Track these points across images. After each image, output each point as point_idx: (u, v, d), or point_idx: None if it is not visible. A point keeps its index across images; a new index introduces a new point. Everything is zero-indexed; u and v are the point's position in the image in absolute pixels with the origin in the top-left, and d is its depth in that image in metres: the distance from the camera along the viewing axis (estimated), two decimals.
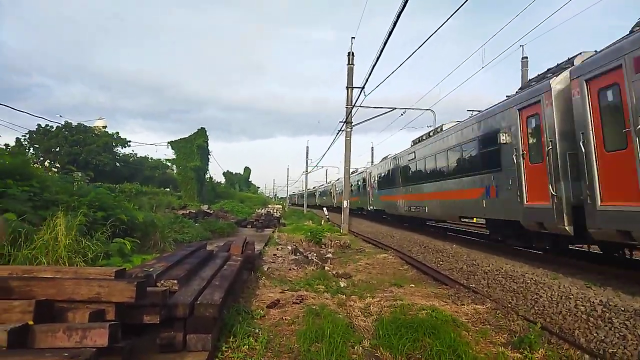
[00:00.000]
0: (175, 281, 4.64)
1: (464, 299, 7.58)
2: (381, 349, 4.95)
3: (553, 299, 6.79)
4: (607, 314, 5.65)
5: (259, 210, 33.13)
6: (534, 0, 11.51)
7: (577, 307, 6.21)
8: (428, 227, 20.40)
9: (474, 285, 8.57)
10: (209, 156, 43.96)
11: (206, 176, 45.21)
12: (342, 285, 8.69)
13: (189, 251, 6.85)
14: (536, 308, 6.81)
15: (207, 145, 43.15)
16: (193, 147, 40.90)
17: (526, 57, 24.27)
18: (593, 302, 6.09)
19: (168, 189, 43.03)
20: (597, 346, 5.15)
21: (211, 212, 25.67)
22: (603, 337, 5.25)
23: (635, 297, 6.15)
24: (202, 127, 42.65)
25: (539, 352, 4.99)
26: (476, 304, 7.19)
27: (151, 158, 59.67)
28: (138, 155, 57.01)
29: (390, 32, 11.36)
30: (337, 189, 47.81)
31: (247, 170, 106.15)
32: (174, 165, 44.20)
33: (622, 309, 5.59)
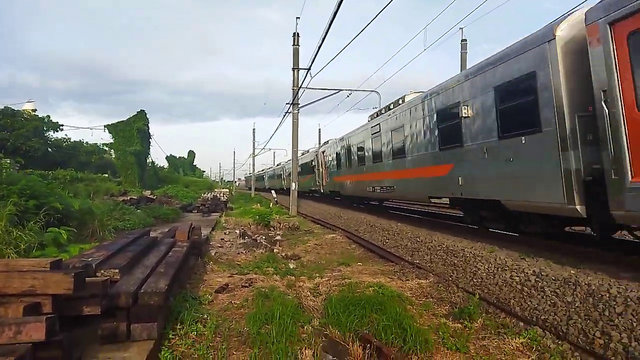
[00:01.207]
0: (117, 270, 4.46)
1: (408, 275, 7.86)
2: (330, 327, 5.05)
3: (490, 271, 7.18)
4: (540, 284, 6.06)
5: (205, 195, 32.48)
6: None
7: (512, 277, 6.61)
8: (375, 207, 20.84)
9: (418, 261, 8.90)
10: (150, 140, 42.33)
11: (148, 161, 43.55)
12: (291, 267, 8.74)
13: (131, 239, 6.60)
14: (475, 280, 7.19)
15: (148, 129, 41.48)
16: (133, 131, 39.16)
17: (465, 40, 24.92)
18: (527, 273, 6.50)
19: (106, 175, 41.09)
20: (531, 314, 5.52)
21: (154, 197, 24.87)
22: (536, 305, 5.63)
23: (565, 267, 6.62)
24: (142, 110, 40.87)
25: (478, 321, 5.28)
26: (420, 279, 7.48)
27: (87, 142, 56.53)
28: (72, 140, 53.83)
29: (335, 13, 11.30)
30: (286, 171, 45.23)
31: (192, 153, 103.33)
32: (112, 150, 42.18)
33: (553, 278, 6.01)
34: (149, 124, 41.57)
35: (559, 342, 4.57)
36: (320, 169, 28.05)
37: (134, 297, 4.03)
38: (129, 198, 23.22)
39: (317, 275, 7.89)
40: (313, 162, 30.04)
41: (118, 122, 39.68)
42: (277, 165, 63.11)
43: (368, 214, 17.86)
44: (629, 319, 4.50)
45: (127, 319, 3.96)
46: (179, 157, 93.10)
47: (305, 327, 5.08)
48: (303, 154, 35.38)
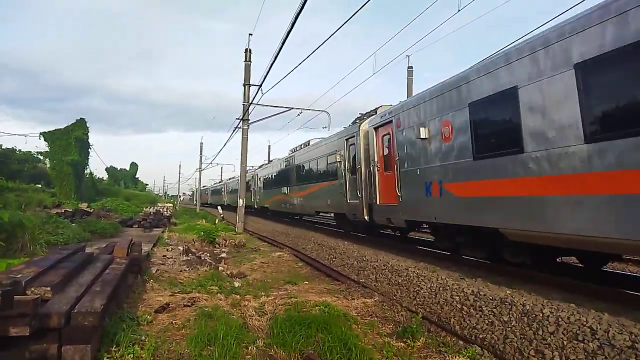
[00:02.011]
0: (49, 288, 4.16)
1: (354, 294, 7.91)
2: (275, 347, 4.96)
3: (432, 290, 7.39)
4: (478, 303, 6.29)
5: (147, 209, 31.26)
6: (419, 15, 12.44)
7: (453, 297, 6.83)
8: (321, 226, 20.96)
9: (363, 280, 8.99)
10: (89, 150, 40.35)
11: (86, 172, 41.43)
12: (236, 285, 8.54)
13: (65, 254, 6.19)
14: (418, 299, 7.35)
15: (88, 138, 39.56)
16: (71, 140, 37.18)
17: (411, 67, 26.04)
18: (466, 292, 6.74)
19: (39, 185, 38.62)
20: (470, 332, 5.71)
21: (91, 210, 23.61)
22: (475, 324, 5.84)
23: (501, 287, 6.93)
24: (81, 118, 39.05)
25: (420, 340, 5.39)
26: (365, 298, 7.54)
27: (19, 150, 53.03)
28: (3, 147, 50.33)
29: (289, 32, 11.43)
30: (228, 188, 51.73)
31: (134, 166, 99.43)
32: (47, 159, 39.78)
33: (490, 297, 6.27)
34: (89, 133, 39.70)
35: None
36: (255, 188, 33.71)
37: (67, 317, 3.76)
38: (63, 210, 21.91)
39: (262, 294, 7.76)
40: (250, 182, 33.93)
41: (55, 129, 37.58)
42: (220, 182, 62.73)
43: (315, 232, 17.89)
44: (560, 337, 4.76)
45: (59, 340, 3.69)
46: (120, 168, 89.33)
47: (249, 347, 4.96)
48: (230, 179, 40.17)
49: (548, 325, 5.04)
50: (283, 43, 12.60)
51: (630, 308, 5.58)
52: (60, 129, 37.74)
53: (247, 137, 23.39)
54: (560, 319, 5.06)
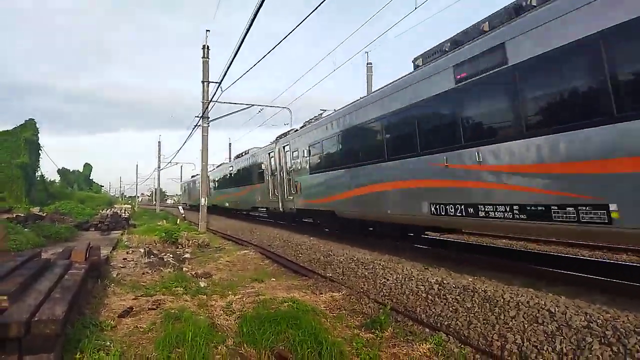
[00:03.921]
0: (5, 297, 3.96)
1: (322, 288, 7.96)
2: (245, 345, 4.93)
3: (398, 282, 7.54)
4: (442, 292, 6.49)
5: (104, 211, 30.20)
6: (377, 12, 12.59)
7: (418, 287, 7.00)
8: (281, 223, 20.98)
9: (330, 275, 9.06)
10: (40, 151, 38.51)
11: (37, 174, 39.53)
12: (202, 286, 8.40)
13: (20, 261, 5.91)
14: (385, 291, 7.49)
15: (38, 139, 37.74)
16: (19, 141, 35.39)
17: (370, 63, 26.36)
18: (431, 282, 6.93)
19: None
20: (436, 320, 5.88)
21: (44, 215, 22.60)
22: (440, 312, 6.02)
23: (464, 275, 7.17)
24: (31, 119, 37.18)
25: (388, 330, 5.50)
26: (333, 292, 7.61)
27: None
28: None
29: (248, 29, 11.29)
30: (183, 188, 56.19)
31: (88, 167, 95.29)
32: None
33: (454, 286, 6.47)
34: (39, 134, 37.88)
35: (462, 346, 4.91)
36: (209, 188, 37.00)
37: (27, 326, 3.60)
38: (14, 215, 20.85)
39: (230, 293, 7.68)
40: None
41: (2, 131, 35.61)
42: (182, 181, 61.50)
43: (281, 229, 17.86)
44: (521, 321, 4.98)
45: (19, 350, 3.52)
46: (73, 170, 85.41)
47: (219, 347, 4.90)
48: (194, 177, 40.97)
49: (509, 310, 5.26)
50: (243, 39, 12.42)
51: (583, 289, 5.91)
52: (8, 130, 35.83)
53: (207, 135, 22.98)
54: (520, 304, 5.29)
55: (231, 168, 29.87)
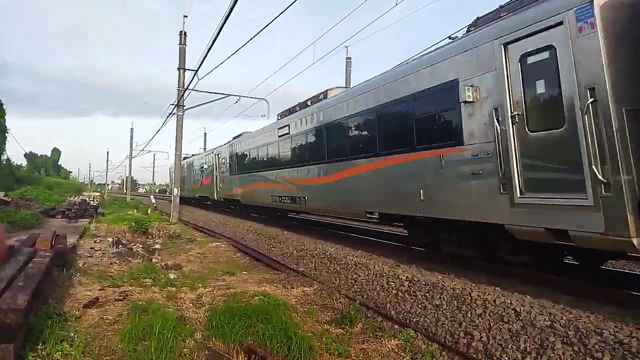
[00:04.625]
0: None
1: (294, 283, 7.97)
2: (214, 339, 4.90)
3: (369, 278, 7.60)
4: (412, 288, 6.57)
5: (72, 198, 29.38)
6: (358, 7, 12.62)
7: (389, 283, 7.07)
8: (254, 216, 20.89)
9: (302, 269, 9.07)
10: (6, 134, 37.03)
11: (2, 158, 38.06)
12: (171, 277, 8.28)
13: None
14: (356, 286, 7.54)
15: (5, 122, 36.28)
16: None
17: (350, 58, 26.42)
18: (401, 279, 7.01)
19: None
20: (405, 317, 5.96)
21: (9, 200, 21.77)
22: (409, 309, 6.10)
23: (434, 273, 7.26)
24: None
25: (358, 326, 5.56)
26: (305, 287, 7.63)
27: None
28: None
29: (227, 16, 11.11)
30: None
31: (57, 152, 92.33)
32: None
33: (424, 283, 6.56)
34: (5, 116, 36.39)
35: (429, 343, 5.00)
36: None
37: None
38: None
39: (200, 285, 7.61)
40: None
41: None
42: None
43: (255, 222, 17.74)
44: (487, 319, 5.09)
45: None
46: (41, 155, 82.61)
47: (187, 341, 4.87)
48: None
49: (476, 308, 5.37)
50: (221, 27, 12.23)
51: (548, 289, 6.09)
52: None
53: (182, 124, 22.62)
54: (487, 302, 5.40)
55: (191, 163, 33.68)
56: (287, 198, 13.98)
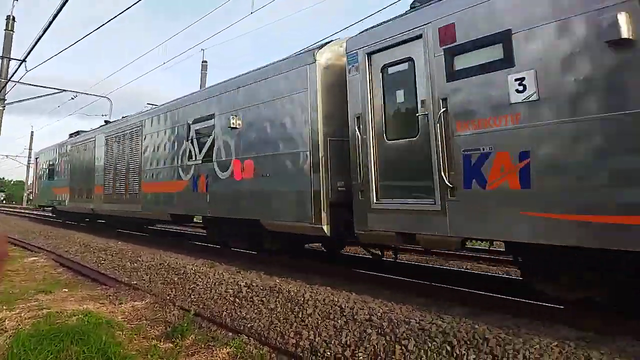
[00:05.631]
0: None
1: (123, 298, 7.31)
2: None
3: (208, 286, 7.38)
4: (250, 294, 6.56)
5: None
6: (212, 11, 12.40)
7: (227, 290, 6.95)
8: (83, 226, 18.87)
9: (135, 282, 8.40)
10: None
11: None
12: None
13: None
14: (193, 296, 7.25)
15: None
16: None
17: (206, 61, 25.82)
18: (240, 285, 6.95)
19: None
20: (239, 323, 5.89)
21: None
22: (245, 314, 6.06)
23: (273, 277, 7.38)
24: None
25: (190, 338, 5.32)
26: (135, 301, 7.07)
27: None
28: None
29: (64, 3, 9.82)
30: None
31: None
32: None
33: (261, 287, 6.61)
34: None
35: (260, 347, 5.03)
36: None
37: None
38: None
39: (4, 308, 6.50)
40: None
41: None
42: None
43: (84, 233, 15.94)
44: (316, 318, 5.33)
45: None
46: None
47: None
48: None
49: (307, 308, 5.59)
50: (56, 15, 10.77)
51: (367, 286, 6.67)
52: None
53: (1, 119, 19.43)
54: (317, 301, 5.67)
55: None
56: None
